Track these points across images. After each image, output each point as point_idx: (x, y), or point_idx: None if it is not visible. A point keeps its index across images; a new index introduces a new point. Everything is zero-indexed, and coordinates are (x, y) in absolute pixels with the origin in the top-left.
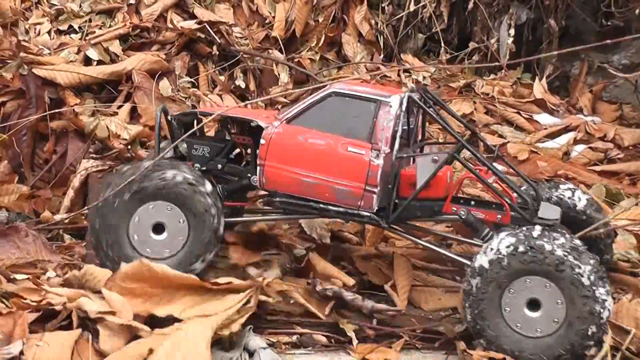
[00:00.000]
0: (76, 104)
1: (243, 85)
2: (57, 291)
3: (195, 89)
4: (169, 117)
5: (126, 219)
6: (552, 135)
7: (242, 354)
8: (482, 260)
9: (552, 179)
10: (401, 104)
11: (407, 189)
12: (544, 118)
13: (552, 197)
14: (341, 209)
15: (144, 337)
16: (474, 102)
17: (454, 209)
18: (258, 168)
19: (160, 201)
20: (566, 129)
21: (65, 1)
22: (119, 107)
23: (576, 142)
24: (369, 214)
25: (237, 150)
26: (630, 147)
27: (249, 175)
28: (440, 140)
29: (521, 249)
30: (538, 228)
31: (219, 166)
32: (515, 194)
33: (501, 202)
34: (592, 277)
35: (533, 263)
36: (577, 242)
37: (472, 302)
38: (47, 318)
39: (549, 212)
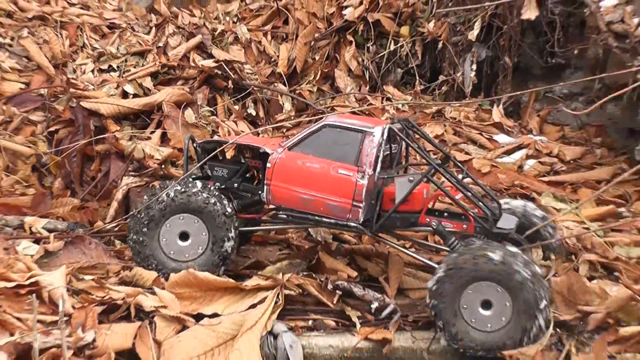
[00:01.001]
0: (116, 131)
1: (254, 113)
2: (117, 288)
3: (215, 117)
4: (195, 145)
5: (156, 242)
6: (509, 152)
7: (268, 337)
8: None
9: (508, 189)
10: (382, 133)
11: (389, 203)
12: (501, 138)
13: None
14: (333, 220)
15: (189, 327)
16: (445, 125)
17: (428, 220)
18: (265, 187)
19: (172, 217)
20: (519, 147)
21: (105, 45)
22: (152, 132)
23: (528, 157)
24: (355, 225)
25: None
26: (571, 161)
27: (260, 192)
28: (418, 160)
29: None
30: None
31: (235, 185)
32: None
33: (467, 215)
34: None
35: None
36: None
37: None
38: (110, 311)
39: (507, 222)
